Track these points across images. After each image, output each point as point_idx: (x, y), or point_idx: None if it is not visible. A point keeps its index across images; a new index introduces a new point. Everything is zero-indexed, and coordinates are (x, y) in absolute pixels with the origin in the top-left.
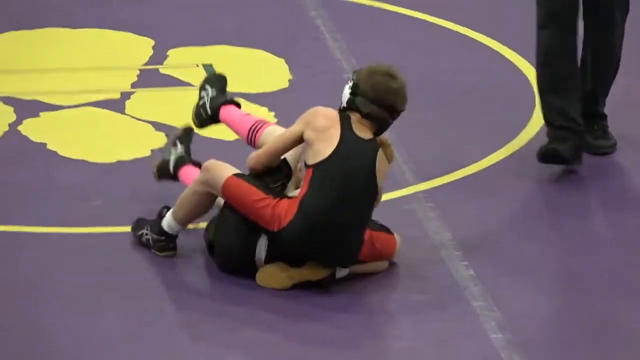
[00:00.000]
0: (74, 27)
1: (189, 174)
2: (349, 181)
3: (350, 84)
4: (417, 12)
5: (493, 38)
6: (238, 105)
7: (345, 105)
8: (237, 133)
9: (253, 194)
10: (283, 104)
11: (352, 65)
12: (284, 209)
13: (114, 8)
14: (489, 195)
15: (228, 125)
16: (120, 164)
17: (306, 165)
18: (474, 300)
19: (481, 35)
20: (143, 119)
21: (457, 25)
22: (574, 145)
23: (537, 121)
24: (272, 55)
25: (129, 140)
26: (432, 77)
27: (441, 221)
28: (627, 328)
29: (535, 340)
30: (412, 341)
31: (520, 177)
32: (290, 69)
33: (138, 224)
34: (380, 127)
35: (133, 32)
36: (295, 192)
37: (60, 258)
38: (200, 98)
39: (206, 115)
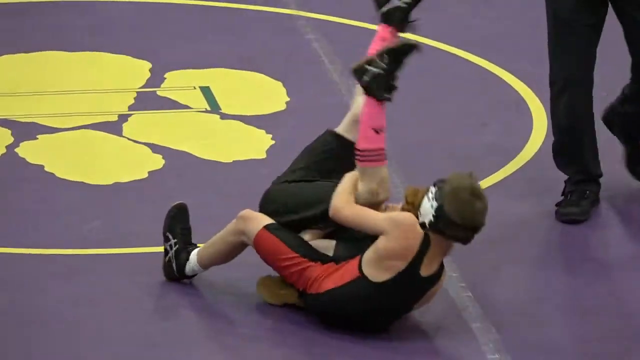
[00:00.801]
0: (72, 51)
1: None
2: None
3: (434, 203)
4: (413, 35)
5: (489, 60)
6: None
7: (427, 226)
8: None
9: (280, 251)
10: (280, 126)
11: (349, 88)
12: (313, 276)
13: (111, 31)
14: (488, 216)
15: None
16: (117, 185)
17: (359, 264)
18: (473, 321)
19: (477, 57)
20: (140, 141)
21: (454, 48)
22: (589, 203)
23: (534, 142)
24: (270, 78)
25: (126, 162)
26: (430, 99)
27: None
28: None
29: None
30: None
31: (519, 198)
32: (287, 92)
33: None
34: (461, 243)
35: (130, 55)
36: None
37: (58, 280)
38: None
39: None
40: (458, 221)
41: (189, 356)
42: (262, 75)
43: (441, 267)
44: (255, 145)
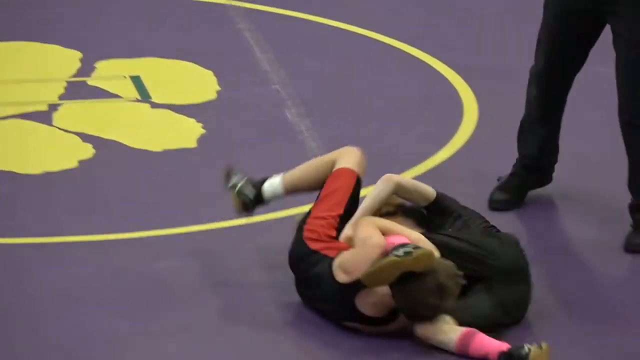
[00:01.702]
0: (2, 40)
1: None
2: None
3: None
4: (346, 25)
5: (422, 50)
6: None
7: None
8: None
9: (338, 199)
10: (211, 115)
11: (280, 77)
12: (327, 236)
13: (42, 21)
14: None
15: None
16: (47, 174)
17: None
18: None
19: (410, 47)
20: (71, 130)
21: (388, 38)
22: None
23: (465, 130)
24: (200, 68)
25: (57, 151)
26: (361, 89)
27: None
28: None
29: None
30: None
31: (450, 185)
32: (218, 81)
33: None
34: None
35: (61, 45)
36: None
37: None
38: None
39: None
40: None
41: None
42: (193, 65)
43: (391, 313)
44: (185, 134)
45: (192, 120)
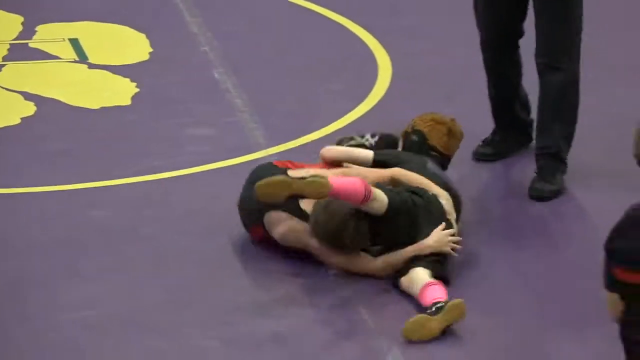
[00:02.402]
0: None
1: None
2: None
3: None
4: None
5: (339, 13)
6: None
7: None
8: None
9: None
10: (144, 75)
11: (208, 39)
12: None
13: None
14: None
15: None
16: None
17: None
18: None
19: (328, 10)
20: (13, 89)
21: (307, 2)
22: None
23: (380, 87)
24: (134, 31)
25: (0, 109)
26: (282, 50)
27: None
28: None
29: None
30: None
31: None
32: (150, 43)
33: None
34: None
35: (3, 10)
36: None
37: None
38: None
39: None
40: None
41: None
42: (127, 28)
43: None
44: (120, 92)
45: (127, 80)
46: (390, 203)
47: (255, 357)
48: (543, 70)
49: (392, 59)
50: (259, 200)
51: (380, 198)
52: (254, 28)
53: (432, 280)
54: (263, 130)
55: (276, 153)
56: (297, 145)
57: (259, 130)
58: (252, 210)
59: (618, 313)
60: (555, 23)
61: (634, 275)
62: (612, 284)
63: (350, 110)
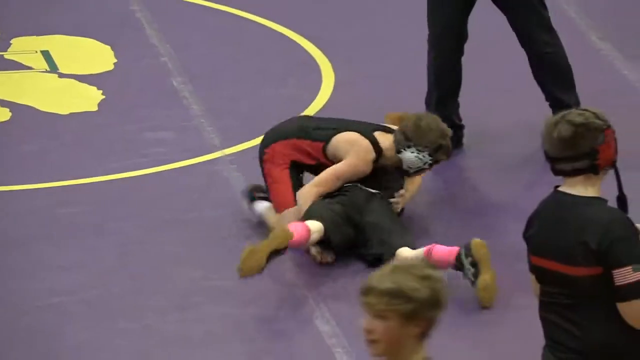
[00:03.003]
0: None
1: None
2: None
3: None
4: (218, 5)
5: (285, 26)
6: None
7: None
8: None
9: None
10: (109, 83)
11: (167, 50)
12: None
13: None
14: None
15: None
16: None
17: None
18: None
19: (274, 23)
20: None
21: (254, 15)
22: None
23: (324, 93)
24: (100, 43)
25: None
26: (235, 59)
27: (244, 180)
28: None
29: None
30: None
31: None
32: (115, 54)
33: None
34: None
35: None
36: None
37: None
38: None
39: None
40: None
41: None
42: (94, 41)
43: None
44: (88, 99)
45: (94, 88)
46: (325, 224)
47: (209, 337)
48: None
49: (333, 67)
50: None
51: (316, 228)
52: (208, 40)
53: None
54: (218, 133)
55: (230, 154)
56: (249, 146)
57: (214, 133)
58: None
59: (537, 293)
60: (524, 15)
61: (539, 260)
62: (530, 267)
63: (298, 114)
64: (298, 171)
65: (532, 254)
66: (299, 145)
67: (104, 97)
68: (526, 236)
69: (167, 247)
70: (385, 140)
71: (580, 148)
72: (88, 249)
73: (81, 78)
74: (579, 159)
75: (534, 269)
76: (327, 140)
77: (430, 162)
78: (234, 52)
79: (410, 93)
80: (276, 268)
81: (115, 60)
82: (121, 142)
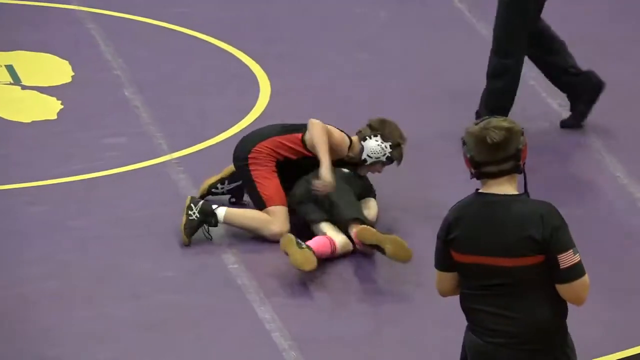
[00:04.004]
0: None
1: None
2: None
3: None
4: (166, 23)
5: (225, 41)
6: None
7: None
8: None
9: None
10: (67, 94)
11: (119, 65)
12: None
13: None
14: (227, 162)
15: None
16: None
17: None
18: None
19: (216, 39)
20: None
21: (198, 33)
22: None
23: (261, 102)
24: (59, 58)
25: None
26: (180, 72)
27: (190, 181)
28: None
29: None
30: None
31: None
32: (72, 68)
33: None
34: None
35: None
36: None
37: None
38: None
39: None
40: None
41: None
42: (53, 56)
43: None
44: (48, 109)
45: (53, 98)
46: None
47: (159, 323)
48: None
49: (270, 78)
50: None
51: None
52: (156, 54)
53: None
54: (165, 138)
55: (177, 157)
56: (194, 150)
57: (163, 138)
58: None
59: (445, 288)
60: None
61: (470, 257)
62: (447, 265)
63: (238, 121)
64: (281, 172)
65: (459, 253)
66: (280, 141)
67: (62, 106)
68: (448, 238)
69: (121, 242)
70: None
71: (509, 150)
72: (50, 244)
73: (42, 90)
74: (507, 160)
75: (460, 266)
76: (303, 130)
77: (388, 155)
78: (180, 66)
79: (340, 101)
80: (218, 260)
81: (73, 74)
82: (79, 147)
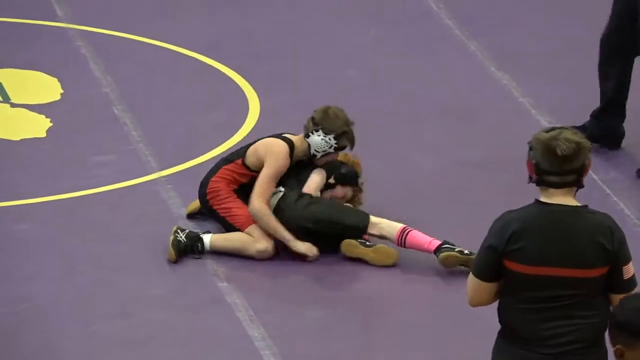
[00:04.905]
0: None
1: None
2: None
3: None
4: (155, 41)
5: (213, 59)
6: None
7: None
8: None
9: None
10: (56, 112)
11: (108, 82)
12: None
13: None
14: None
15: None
16: None
17: None
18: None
19: (204, 57)
20: None
21: (187, 50)
22: None
23: (251, 120)
24: (48, 75)
25: None
26: (169, 89)
27: (179, 199)
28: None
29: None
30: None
31: None
32: (61, 86)
33: None
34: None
35: None
36: None
37: None
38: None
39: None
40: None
41: None
42: (42, 74)
43: None
44: (37, 126)
45: (42, 116)
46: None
47: (149, 341)
48: None
49: (259, 95)
50: None
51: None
52: (145, 72)
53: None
54: (155, 156)
55: (166, 175)
56: (184, 168)
57: (152, 156)
58: None
59: (483, 299)
60: None
61: (539, 269)
62: (494, 275)
63: (228, 139)
64: (244, 195)
65: (522, 264)
66: (227, 171)
67: (52, 124)
68: (509, 249)
69: (111, 260)
70: (292, 137)
71: (575, 164)
72: (40, 262)
73: (31, 107)
74: (571, 173)
75: (517, 278)
76: (243, 155)
77: (335, 146)
78: (169, 83)
79: None
80: (208, 278)
81: (62, 91)
82: (68, 165)
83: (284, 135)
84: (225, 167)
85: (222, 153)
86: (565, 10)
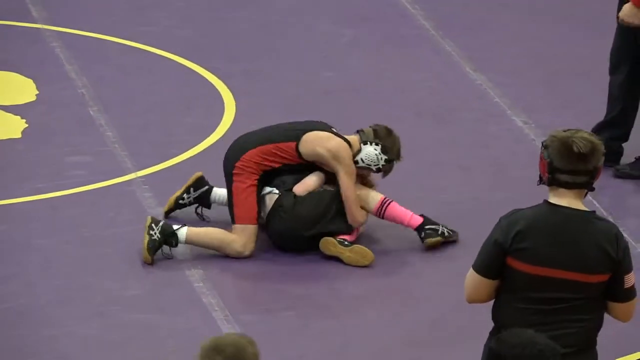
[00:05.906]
0: None
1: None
2: None
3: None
4: (131, 42)
5: (191, 61)
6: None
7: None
8: None
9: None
10: (32, 113)
11: (84, 83)
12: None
13: None
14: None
15: None
16: None
17: None
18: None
19: (180, 57)
20: None
21: (163, 51)
22: None
23: (226, 121)
24: (23, 77)
25: None
26: (145, 91)
27: (155, 199)
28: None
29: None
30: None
31: (218, 162)
32: (37, 87)
33: None
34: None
35: None
36: None
37: None
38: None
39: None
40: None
41: None
42: (17, 75)
43: None
44: (12, 127)
45: (18, 117)
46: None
47: (125, 341)
48: None
49: (234, 96)
50: None
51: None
52: (120, 73)
53: None
54: (130, 157)
55: (142, 176)
56: (159, 169)
57: (127, 157)
58: None
59: (481, 295)
60: None
61: (542, 270)
62: (495, 272)
63: (203, 139)
64: (264, 183)
65: (526, 264)
66: (272, 149)
67: (27, 125)
68: (514, 247)
69: (86, 261)
70: (347, 136)
71: (589, 165)
72: (16, 263)
73: (6, 108)
74: (584, 174)
75: (519, 277)
76: (297, 139)
77: (380, 166)
78: (144, 84)
79: (305, 119)
80: (184, 278)
81: (38, 92)
82: (44, 166)
83: (333, 130)
84: (273, 145)
85: (198, 154)
86: (540, 11)
